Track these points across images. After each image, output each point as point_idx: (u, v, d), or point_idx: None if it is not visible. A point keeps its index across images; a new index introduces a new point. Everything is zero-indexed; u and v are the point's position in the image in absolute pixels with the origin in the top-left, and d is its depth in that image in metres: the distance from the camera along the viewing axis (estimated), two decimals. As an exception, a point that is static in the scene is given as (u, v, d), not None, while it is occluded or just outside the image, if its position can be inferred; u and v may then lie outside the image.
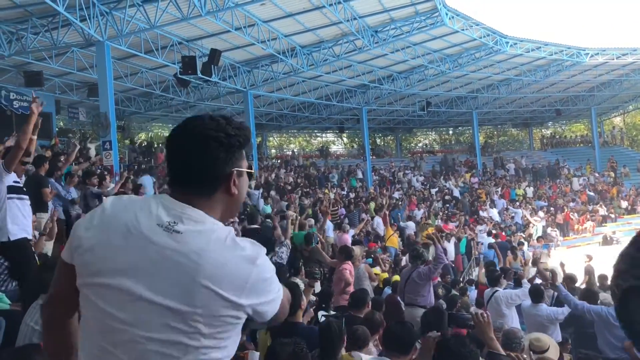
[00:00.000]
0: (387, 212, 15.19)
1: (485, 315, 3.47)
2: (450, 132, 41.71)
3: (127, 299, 1.35)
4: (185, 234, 1.37)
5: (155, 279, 1.35)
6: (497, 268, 10.75)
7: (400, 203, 20.45)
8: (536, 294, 7.04)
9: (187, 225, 1.39)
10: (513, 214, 23.15)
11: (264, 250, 1.46)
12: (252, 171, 1.60)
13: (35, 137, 4.86)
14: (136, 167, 16.12)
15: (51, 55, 16.00)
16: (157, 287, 1.34)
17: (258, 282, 1.39)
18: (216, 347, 1.38)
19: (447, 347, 2.98)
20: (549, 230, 22.17)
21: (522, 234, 20.40)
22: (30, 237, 5.17)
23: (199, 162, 1.45)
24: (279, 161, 27.25)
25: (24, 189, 5.25)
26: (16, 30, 14.19)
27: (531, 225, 21.52)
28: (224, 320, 1.37)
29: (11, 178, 4.89)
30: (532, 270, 13.05)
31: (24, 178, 5.37)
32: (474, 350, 2.96)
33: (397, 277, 9.74)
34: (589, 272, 12.36)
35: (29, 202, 5.14)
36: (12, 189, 4.91)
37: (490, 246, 15.30)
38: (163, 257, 1.35)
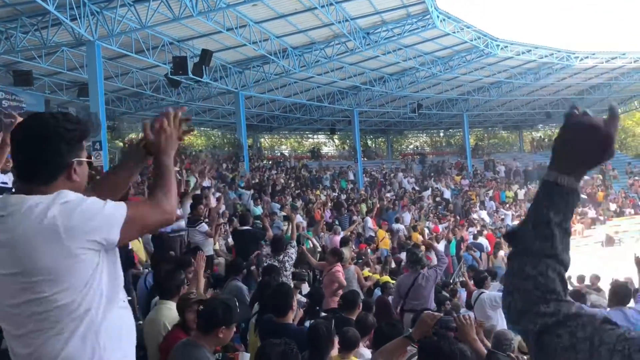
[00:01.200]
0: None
1: (467, 317, 3.46)
2: (441, 134, 41.85)
3: None
4: (4, 217, 1.63)
5: None
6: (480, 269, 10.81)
7: (393, 206, 20.45)
8: None
9: (7, 210, 1.63)
10: (503, 216, 23.24)
11: (60, 199, 1.61)
12: (92, 160, 1.89)
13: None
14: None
15: (41, 54, 15.88)
16: (1, 263, 1.61)
17: (69, 231, 1.58)
18: (70, 289, 1.60)
19: (436, 347, 2.97)
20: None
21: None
22: None
23: (42, 155, 1.69)
24: (270, 162, 27.20)
25: (13, 191, 5.17)
26: (5, 29, 14.06)
27: None
28: (63, 264, 1.59)
29: None
30: None
31: (10, 176, 5.25)
32: (463, 349, 2.96)
33: (386, 278, 9.74)
34: None
35: None
36: (0, 190, 4.84)
37: (467, 248, 15.35)
38: None
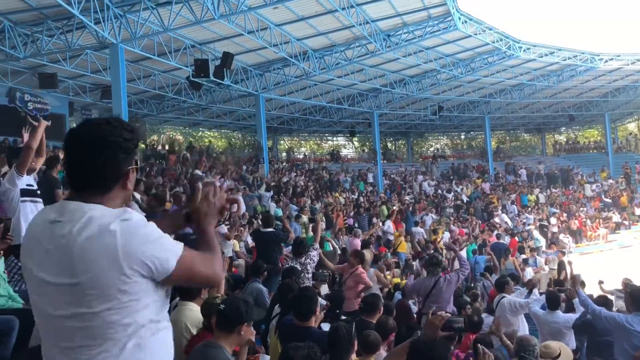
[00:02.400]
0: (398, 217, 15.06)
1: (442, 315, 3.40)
2: (462, 136, 41.50)
3: (41, 286, 1.62)
4: (62, 222, 1.60)
5: (48, 264, 1.59)
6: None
7: (414, 209, 20.29)
8: (552, 301, 6.92)
9: (65, 216, 1.61)
10: (525, 220, 22.96)
11: (124, 216, 1.60)
12: (138, 166, 1.80)
13: (44, 141, 4.94)
14: (148, 169, 16.13)
15: (65, 57, 16.13)
16: (51, 270, 1.59)
17: (126, 250, 1.55)
18: (121, 308, 1.57)
19: (422, 349, 2.96)
20: (561, 236, 21.96)
21: (534, 239, 20.23)
22: None
23: (101, 165, 1.65)
24: (288, 164, 27.25)
25: (38, 192, 5.28)
26: (31, 32, 14.31)
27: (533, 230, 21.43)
28: (116, 281, 1.55)
29: (24, 181, 4.92)
30: (528, 272, 13.01)
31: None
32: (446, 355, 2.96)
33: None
34: (562, 268, 12.26)
35: (42, 206, 5.16)
36: (25, 192, 4.94)
37: (479, 249, 15.15)
38: (50, 245, 1.60)
